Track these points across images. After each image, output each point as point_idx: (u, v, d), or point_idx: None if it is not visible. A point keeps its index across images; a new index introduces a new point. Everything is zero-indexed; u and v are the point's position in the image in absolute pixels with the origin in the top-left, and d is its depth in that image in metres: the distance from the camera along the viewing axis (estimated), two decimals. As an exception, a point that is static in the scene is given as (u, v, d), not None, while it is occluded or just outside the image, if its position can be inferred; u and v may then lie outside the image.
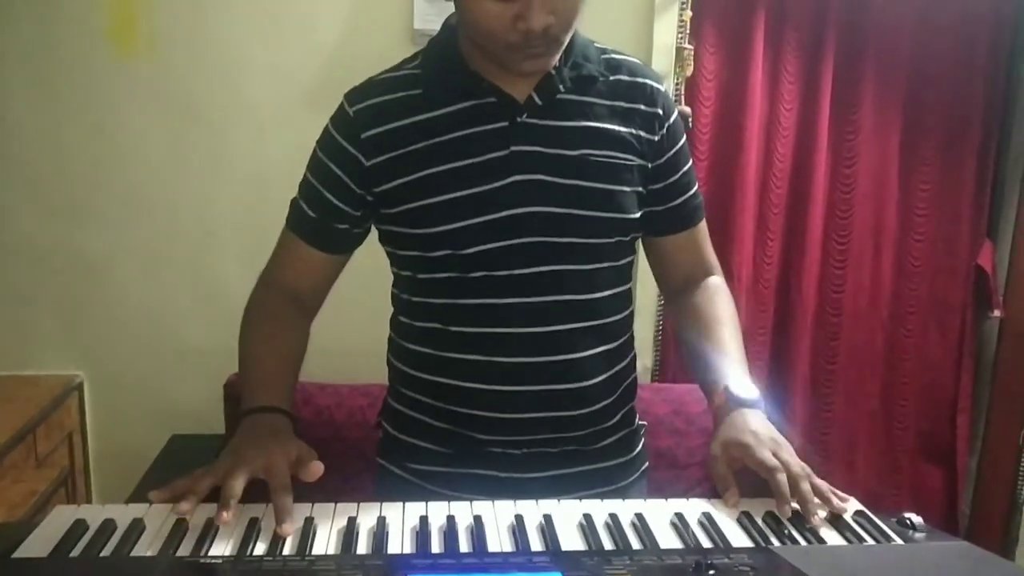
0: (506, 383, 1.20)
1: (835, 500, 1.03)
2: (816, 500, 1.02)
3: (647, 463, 1.38)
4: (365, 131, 1.19)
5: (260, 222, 2.23)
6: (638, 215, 1.23)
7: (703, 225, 1.35)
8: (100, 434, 2.30)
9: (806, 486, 1.03)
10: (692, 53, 2.18)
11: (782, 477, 1.03)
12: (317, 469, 1.05)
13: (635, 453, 1.34)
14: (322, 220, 1.24)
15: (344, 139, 1.20)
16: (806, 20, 2.29)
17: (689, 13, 2.16)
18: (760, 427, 1.11)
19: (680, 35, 2.16)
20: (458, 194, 1.16)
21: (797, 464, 1.06)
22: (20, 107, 2.14)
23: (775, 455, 1.07)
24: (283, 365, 1.23)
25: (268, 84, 2.17)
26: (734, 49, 2.29)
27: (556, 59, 1.15)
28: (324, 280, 1.30)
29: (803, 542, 0.96)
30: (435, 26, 2.05)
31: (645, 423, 1.39)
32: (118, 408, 2.29)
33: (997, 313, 2.48)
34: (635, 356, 1.34)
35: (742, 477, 1.09)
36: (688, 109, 2.24)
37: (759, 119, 2.32)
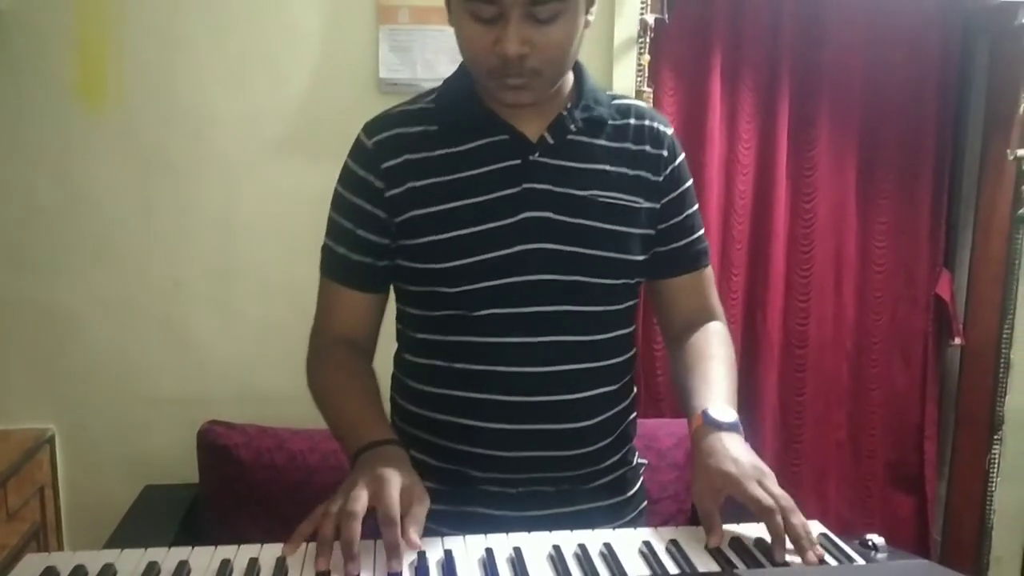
0: (504, 421, 1.22)
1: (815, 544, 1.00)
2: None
3: (645, 502, 1.39)
4: (384, 161, 1.22)
5: (230, 271, 2.27)
6: (642, 258, 1.26)
7: (708, 271, 1.36)
8: (72, 487, 2.27)
9: (797, 521, 1.01)
10: (651, 96, 2.24)
11: (779, 520, 1.00)
12: (415, 543, 0.99)
13: (632, 492, 1.35)
14: (359, 259, 1.25)
15: (365, 171, 1.23)
16: (761, 61, 2.36)
17: (647, 57, 2.22)
18: (741, 454, 1.09)
19: (639, 79, 2.22)
20: (471, 230, 1.19)
21: (784, 497, 1.04)
22: (-12, 161, 2.15)
23: (762, 487, 1.04)
24: (374, 401, 1.22)
25: (236, 134, 2.19)
26: (692, 91, 2.35)
27: (541, 95, 1.18)
28: (373, 322, 1.30)
29: (768, 565, 0.98)
30: (400, 75, 2.14)
31: (646, 461, 1.41)
32: (90, 460, 2.26)
33: (958, 341, 2.53)
34: (636, 396, 1.36)
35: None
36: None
37: (719, 158, 2.37)
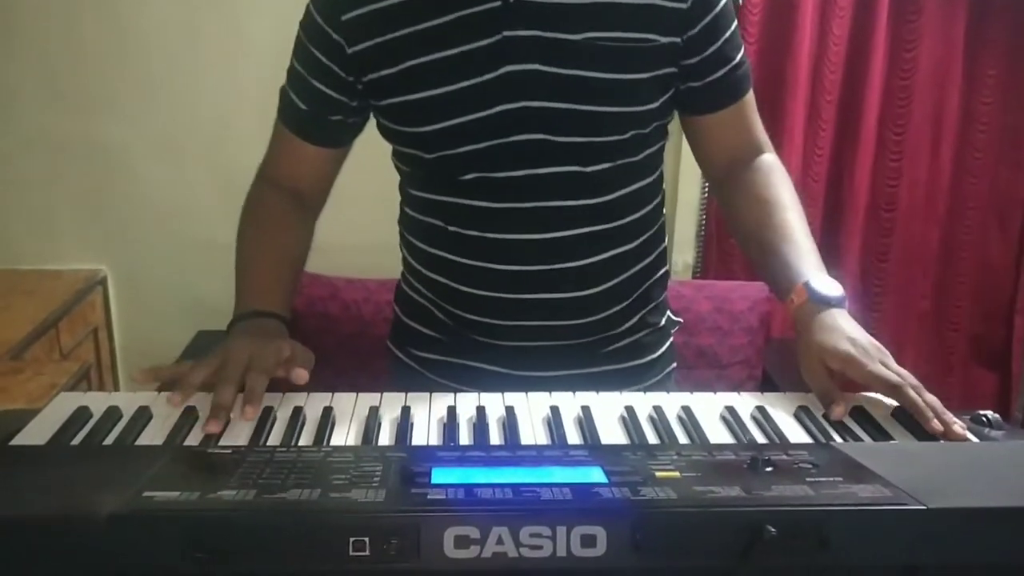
0: (504, 290, 1.11)
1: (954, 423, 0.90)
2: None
3: (673, 364, 1.28)
4: (345, 12, 1.05)
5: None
6: (658, 104, 1.08)
7: (749, 97, 1.15)
8: (125, 329, 2.26)
9: (930, 397, 0.92)
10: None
11: (914, 394, 0.92)
12: (301, 376, 0.94)
13: (657, 355, 1.23)
14: (314, 112, 1.12)
15: (324, 22, 1.07)
16: None
17: None
18: (857, 333, 0.98)
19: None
20: (444, 89, 1.03)
21: (909, 375, 0.95)
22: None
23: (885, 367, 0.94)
24: (281, 267, 1.13)
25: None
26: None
27: None
28: (324, 176, 1.19)
29: (868, 439, 0.88)
30: None
31: (680, 320, 1.29)
32: (143, 303, 2.25)
33: (1063, 208, 2.34)
34: (664, 251, 1.22)
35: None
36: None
37: (814, -3, 2.15)
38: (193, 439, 0.84)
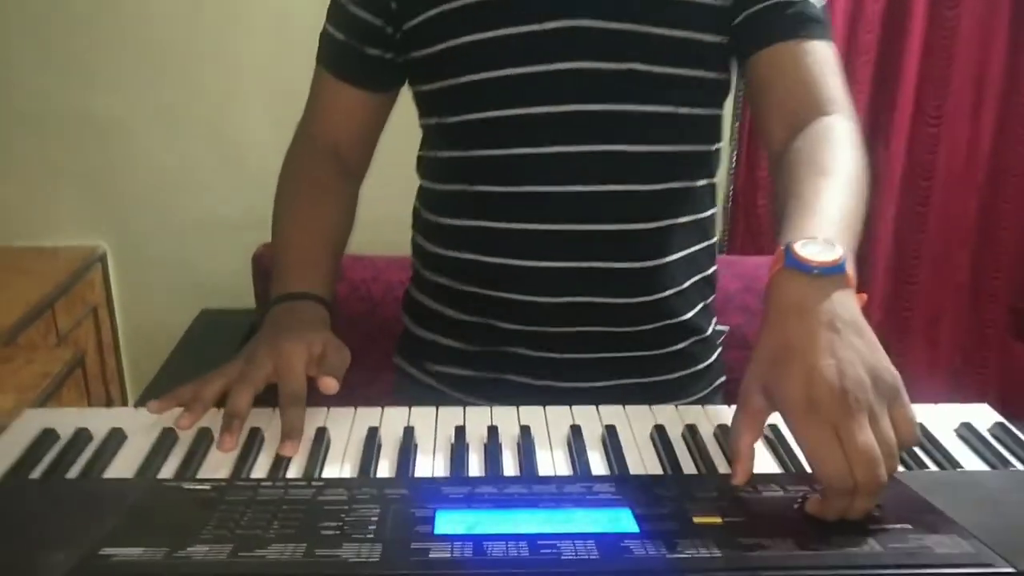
0: (539, 257, 0.97)
1: None
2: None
3: (723, 377, 1.13)
4: None
5: (286, 78, 2.00)
6: (718, 39, 0.94)
7: (818, 47, 0.91)
8: (126, 309, 2.17)
9: (862, 504, 0.62)
10: None
11: (838, 504, 0.62)
12: (329, 386, 0.82)
13: (708, 363, 1.09)
14: (353, 43, 1.01)
15: None
16: None
17: None
18: (830, 337, 0.64)
19: None
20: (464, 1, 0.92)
21: (868, 455, 0.61)
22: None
23: (845, 419, 0.62)
24: (324, 242, 1.02)
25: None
26: None
27: None
28: (366, 128, 1.08)
29: (933, 466, 0.77)
30: None
31: (727, 328, 1.15)
32: (144, 281, 2.16)
33: (1111, 176, 2.20)
34: (716, 244, 1.09)
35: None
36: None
37: (850, -49, 2.01)
38: (169, 469, 0.75)
